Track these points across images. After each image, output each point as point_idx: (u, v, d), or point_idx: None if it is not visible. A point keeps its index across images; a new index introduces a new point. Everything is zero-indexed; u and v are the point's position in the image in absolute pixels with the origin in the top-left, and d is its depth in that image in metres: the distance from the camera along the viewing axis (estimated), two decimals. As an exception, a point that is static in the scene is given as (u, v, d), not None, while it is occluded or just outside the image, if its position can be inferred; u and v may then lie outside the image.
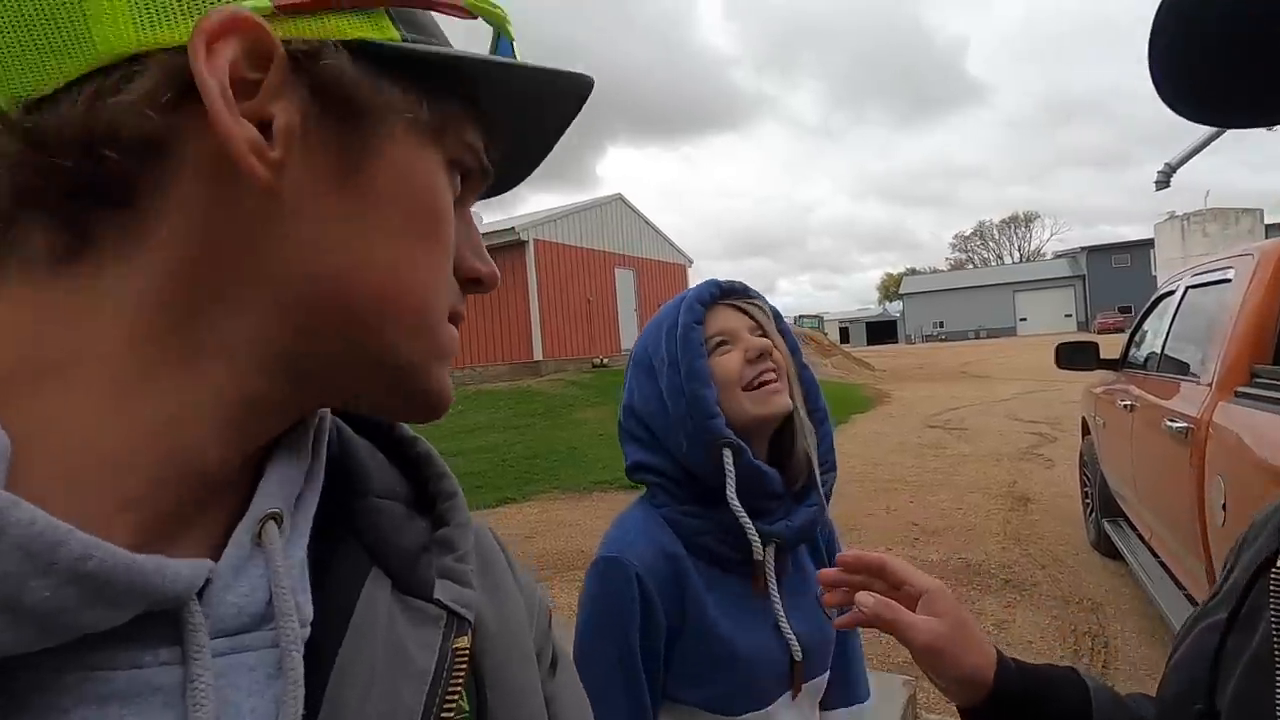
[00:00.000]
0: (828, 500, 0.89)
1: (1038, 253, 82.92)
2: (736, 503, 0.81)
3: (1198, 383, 2.63)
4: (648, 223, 18.14)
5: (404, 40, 0.31)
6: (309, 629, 0.31)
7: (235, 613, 0.29)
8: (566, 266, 15.13)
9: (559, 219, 15.41)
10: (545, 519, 6.27)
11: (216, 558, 0.30)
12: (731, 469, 0.81)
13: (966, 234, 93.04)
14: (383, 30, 0.31)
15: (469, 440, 9.97)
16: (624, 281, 16.76)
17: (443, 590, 0.35)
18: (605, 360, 15.09)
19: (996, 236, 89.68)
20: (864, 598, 0.61)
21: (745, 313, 0.90)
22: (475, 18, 0.34)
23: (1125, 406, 3.51)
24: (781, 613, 0.83)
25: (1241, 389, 2.28)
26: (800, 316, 51.59)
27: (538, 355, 14.20)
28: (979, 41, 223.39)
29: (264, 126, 0.28)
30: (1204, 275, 3.01)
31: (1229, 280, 2.65)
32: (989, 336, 49.93)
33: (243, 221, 0.29)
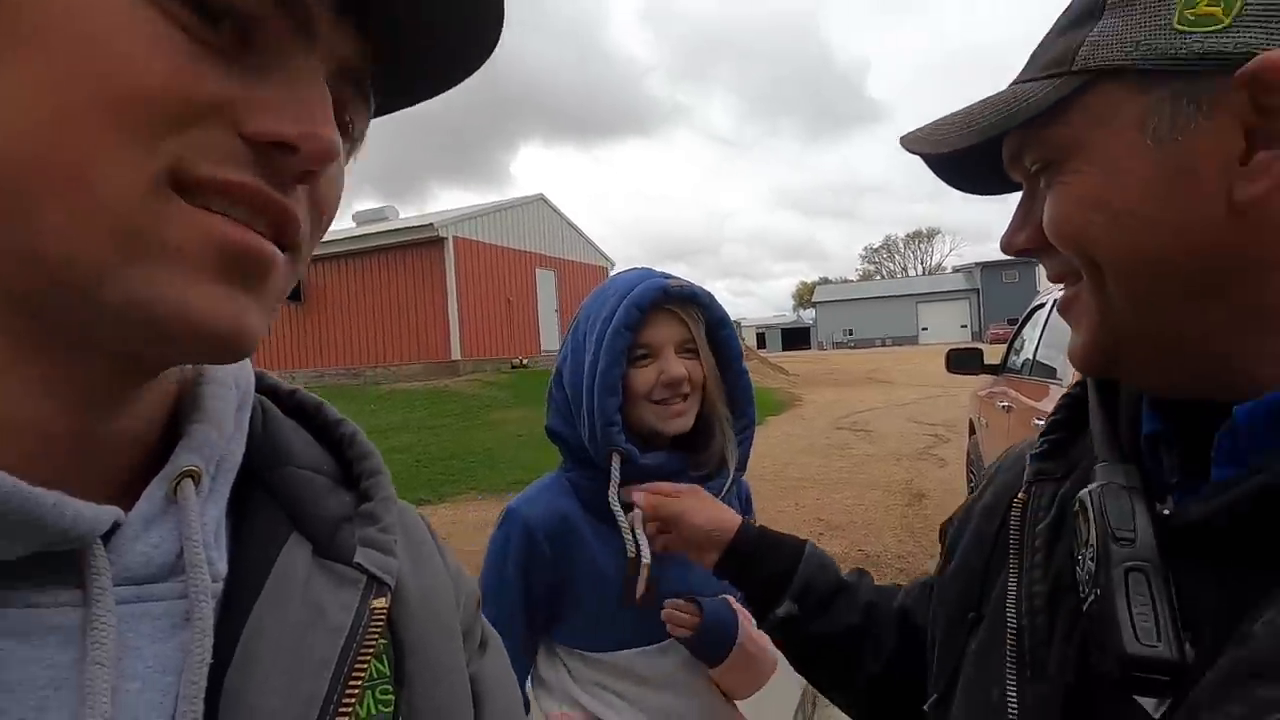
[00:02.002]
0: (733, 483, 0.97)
1: (938, 267, 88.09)
2: (617, 506, 0.89)
3: (1061, 384, 2.94)
4: (570, 224, 18.11)
5: None
6: (221, 584, 0.31)
7: (143, 562, 0.29)
8: (486, 265, 14.88)
9: (479, 217, 15.15)
10: (461, 521, 6.18)
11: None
12: (617, 474, 0.89)
13: (875, 246, 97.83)
14: None
15: (382, 441, 9.63)
16: (545, 282, 16.66)
17: (364, 556, 0.35)
18: (525, 361, 14.94)
19: (902, 250, 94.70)
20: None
21: (683, 321, 0.93)
22: None
23: (1003, 408, 3.85)
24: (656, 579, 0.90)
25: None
26: (719, 322, 52.63)
27: (455, 355, 13.90)
28: (878, 64, 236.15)
29: None
30: (1069, 289, 3.36)
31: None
32: (894, 344, 52.59)
33: None
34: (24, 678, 0.26)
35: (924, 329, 58.79)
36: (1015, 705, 0.44)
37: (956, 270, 67.69)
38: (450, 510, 6.71)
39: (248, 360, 0.38)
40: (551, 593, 0.93)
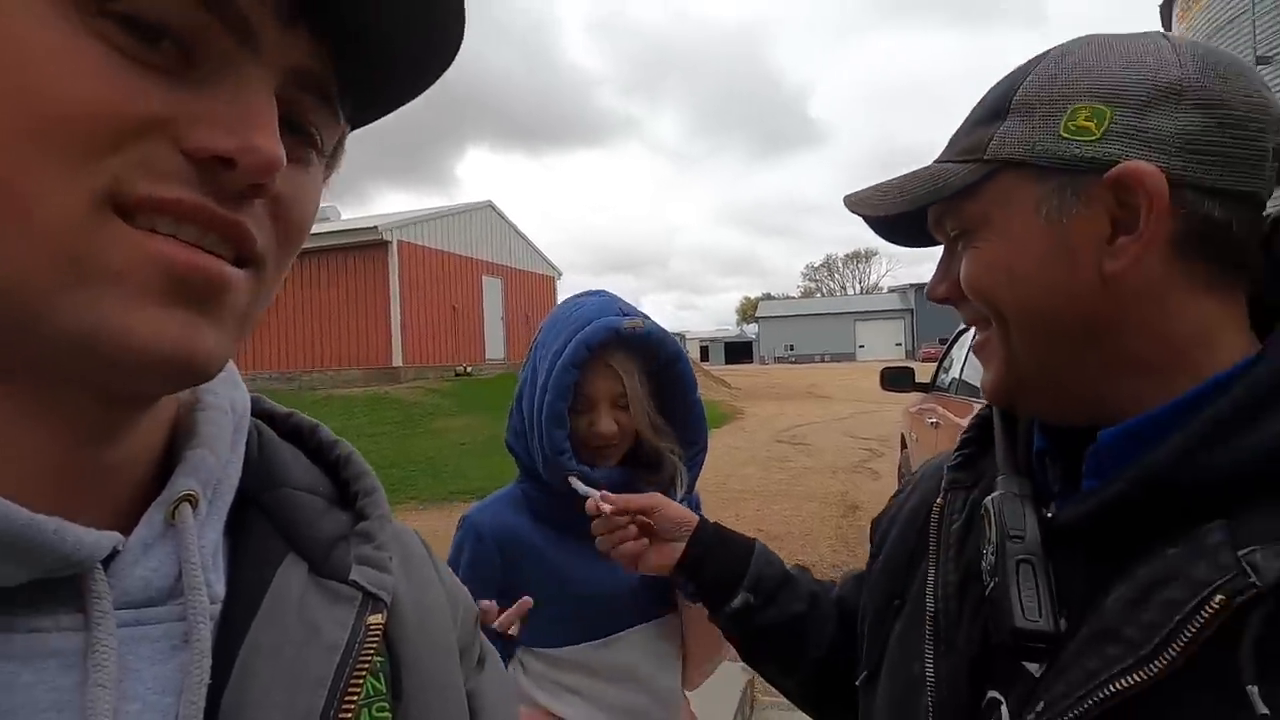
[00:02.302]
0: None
1: (875, 286, 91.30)
2: (585, 488, 0.92)
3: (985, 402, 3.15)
4: (518, 232, 18.02)
5: None
6: (219, 606, 0.32)
7: (142, 586, 0.30)
8: (432, 271, 14.65)
9: (425, 221, 14.91)
10: (400, 530, 6.08)
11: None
12: (582, 487, 0.93)
13: (816, 265, 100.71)
14: None
15: (317, 448, 9.36)
16: (491, 290, 16.51)
17: (359, 574, 0.36)
18: (469, 369, 14.75)
19: (842, 269, 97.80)
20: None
21: (619, 376, 0.97)
22: None
23: (932, 424, 4.08)
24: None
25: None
26: (664, 334, 53.17)
27: (397, 361, 13.60)
28: (821, 87, 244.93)
29: None
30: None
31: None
32: (833, 360, 54.16)
33: None
34: (27, 701, 0.26)
35: (861, 346, 60.76)
36: (932, 676, 0.53)
37: (892, 290, 70.41)
38: (390, 520, 6.58)
39: (243, 385, 0.40)
40: (503, 597, 0.97)
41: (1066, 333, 0.48)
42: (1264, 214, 0.46)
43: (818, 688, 0.78)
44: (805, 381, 23.98)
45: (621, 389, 0.98)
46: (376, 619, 0.35)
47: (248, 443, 0.38)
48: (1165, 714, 0.39)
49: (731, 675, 2.92)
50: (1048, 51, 0.50)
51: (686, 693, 1.12)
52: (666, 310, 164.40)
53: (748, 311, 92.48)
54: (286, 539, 0.36)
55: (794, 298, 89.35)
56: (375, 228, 13.57)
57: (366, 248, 13.42)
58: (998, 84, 0.51)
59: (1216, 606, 0.38)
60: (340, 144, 0.36)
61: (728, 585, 0.79)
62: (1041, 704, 0.43)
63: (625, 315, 0.99)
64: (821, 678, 0.76)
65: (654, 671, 1.02)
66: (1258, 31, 11.28)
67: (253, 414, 0.40)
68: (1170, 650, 0.38)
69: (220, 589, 0.33)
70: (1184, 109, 0.44)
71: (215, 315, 0.29)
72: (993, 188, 0.49)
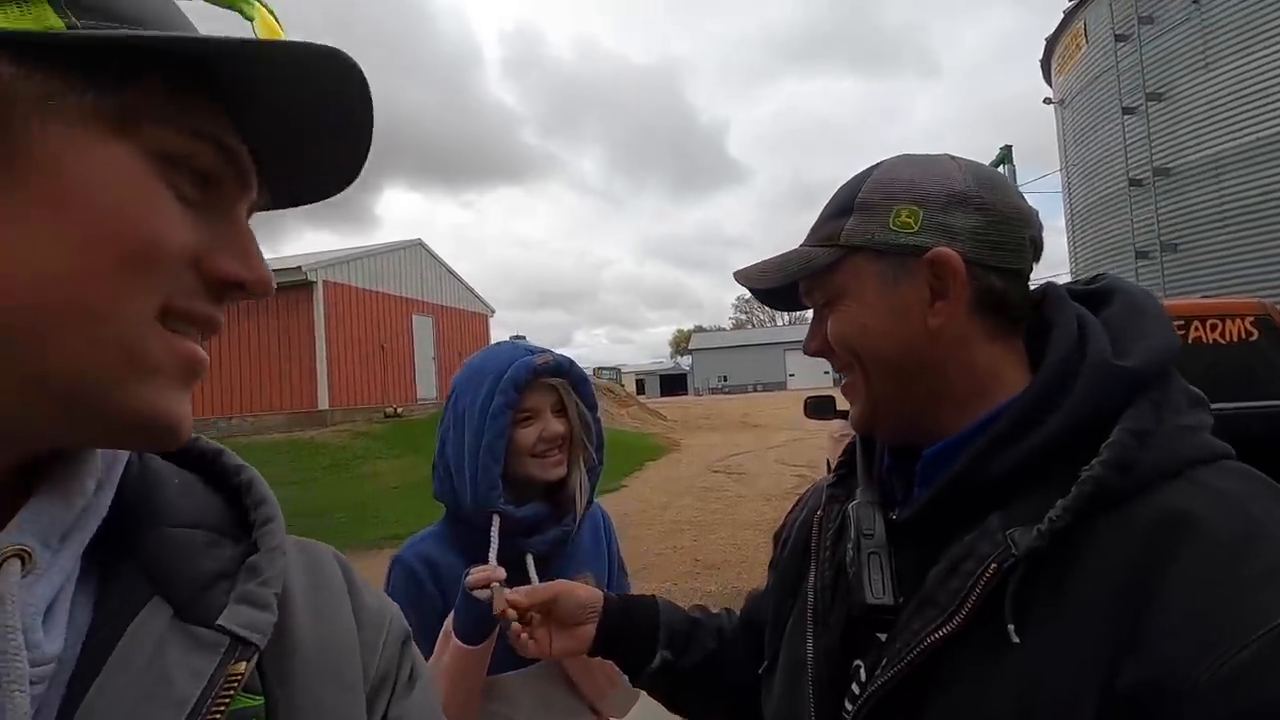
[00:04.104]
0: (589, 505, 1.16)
1: (803, 317, 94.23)
2: (496, 564, 1.01)
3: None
4: (449, 270, 17.91)
5: (70, 28, 0.29)
6: (52, 667, 0.31)
7: None
8: (359, 311, 14.37)
9: (352, 261, 14.66)
10: (330, 579, 5.87)
11: None
12: (496, 538, 1.03)
13: (746, 297, 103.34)
14: (40, 20, 0.29)
15: (238, 498, 8.92)
16: (422, 328, 16.29)
17: (232, 615, 0.35)
18: (400, 410, 14.42)
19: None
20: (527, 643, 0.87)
21: (555, 389, 1.13)
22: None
23: (854, 449, 4.33)
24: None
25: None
26: (600, 368, 53.32)
27: (323, 404, 13.18)
28: (737, 127, 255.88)
29: None
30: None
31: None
32: (765, 390, 55.49)
33: None
34: None
35: (791, 375, 62.48)
36: (812, 654, 0.66)
37: (818, 321, 72.73)
38: (318, 569, 6.34)
39: None
40: (431, 631, 1.05)
41: (904, 371, 0.63)
42: (1029, 286, 0.64)
43: (741, 709, 0.85)
44: (739, 411, 24.52)
45: (558, 398, 1.13)
46: (240, 667, 0.34)
47: (124, 477, 0.37)
48: (963, 655, 0.53)
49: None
50: (879, 163, 0.67)
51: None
52: (601, 344, 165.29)
53: (681, 344, 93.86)
54: (153, 582, 0.35)
55: (726, 329, 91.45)
56: (299, 268, 13.26)
57: (290, 288, 13.05)
58: (844, 186, 0.67)
59: (991, 572, 0.52)
60: None
61: (645, 650, 0.85)
62: (885, 660, 0.56)
63: (532, 353, 1.13)
64: (743, 699, 0.84)
65: (568, 695, 1.11)
66: (1122, 85, 12.59)
67: None
68: (965, 608, 0.52)
69: (53, 647, 0.31)
70: (969, 211, 0.61)
71: (191, 390, 0.35)
72: (847, 266, 0.65)
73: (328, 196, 0.42)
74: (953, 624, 0.52)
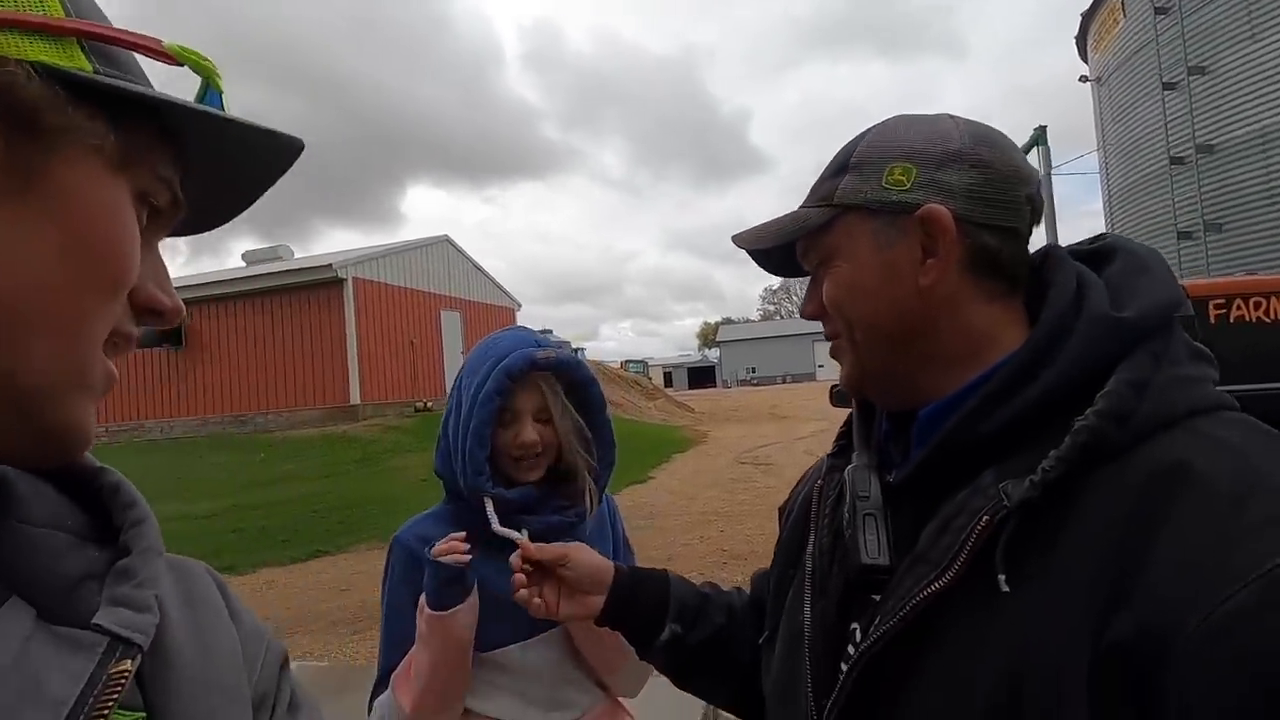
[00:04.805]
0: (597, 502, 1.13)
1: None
2: (501, 529, 1.02)
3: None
4: (476, 265, 18.09)
5: (95, 73, 0.32)
6: None
7: None
8: (388, 307, 14.59)
9: (381, 258, 14.89)
10: (362, 570, 5.98)
11: None
12: (493, 512, 1.04)
13: (774, 288, 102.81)
14: (72, 59, 0.32)
15: (274, 492, 9.16)
16: (450, 323, 16.48)
17: (109, 616, 0.33)
18: (429, 404, 14.62)
19: (799, 290, 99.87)
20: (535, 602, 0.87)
21: (542, 392, 1.09)
22: (182, 65, 0.36)
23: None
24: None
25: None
26: (628, 361, 53.42)
27: (355, 399, 13.43)
28: (760, 115, 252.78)
29: None
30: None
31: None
32: (793, 381, 55.10)
33: None
34: None
35: (820, 366, 61.92)
36: (810, 619, 0.64)
37: (848, 310, 71.82)
38: (351, 560, 6.48)
39: None
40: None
41: (895, 333, 0.61)
42: (1027, 246, 0.62)
43: (748, 686, 0.83)
44: (767, 403, 24.38)
45: (543, 403, 1.10)
46: (124, 666, 0.32)
47: None
48: (955, 609, 0.51)
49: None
50: (873, 125, 0.66)
51: (624, 700, 1.19)
52: (627, 337, 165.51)
53: (708, 336, 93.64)
54: (8, 582, 0.33)
55: (754, 321, 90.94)
56: (330, 265, 13.52)
57: (321, 286, 13.34)
58: (843, 147, 0.66)
59: (983, 525, 0.50)
60: None
61: (654, 623, 0.84)
62: (878, 618, 0.55)
63: (540, 345, 1.11)
64: (751, 676, 0.82)
65: (576, 668, 1.10)
66: (1162, 60, 12.15)
67: None
68: (957, 563, 0.51)
69: None
70: (963, 168, 0.59)
71: None
72: (840, 225, 0.63)
73: (209, 230, 0.46)
74: (945, 579, 0.51)
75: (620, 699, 1.18)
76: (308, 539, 7.11)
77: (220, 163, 0.39)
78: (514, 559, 0.88)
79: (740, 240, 0.71)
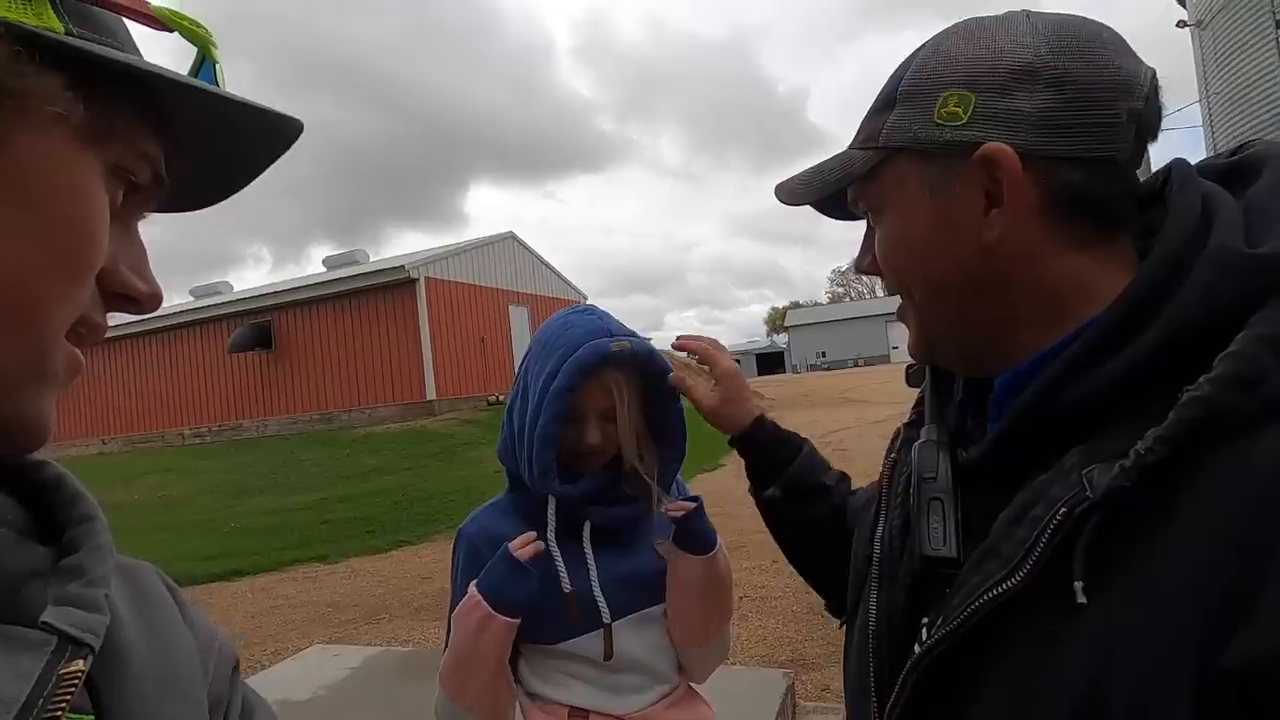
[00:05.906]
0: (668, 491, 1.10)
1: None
2: (555, 548, 1.01)
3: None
4: (541, 260, 18.33)
5: (68, 34, 0.29)
6: None
7: None
8: (459, 304, 14.99)
9: (450, 257, 15.30)
10: (442, 560, 6.17)
11: None
12: (553, 518, 1.02)
13: (843, 269, 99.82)
14: (40, 16, 0.29)
15: (360, 485, 9.59)
16: (518, 318, 16.78)
17: (56, 615, 0.31)
18: (500, 398, 14.95)
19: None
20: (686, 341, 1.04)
21: (609, 390, 1.03)
22: (171, 31, 0.34)
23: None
24: (589, 573, 1.03)
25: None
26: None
27: (430, 395, 13.89)
28: (817, 92, 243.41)
29: None
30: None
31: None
32: (866, 364, 53.45)
33: None
34: None
35: (894, 348, 59.81)
36: (875, 609, 0.58)
37: (923, 289, 69.08)
38: (432, 550, 6.70)
39: None
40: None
41: (958, 294, 0.52)
42: (1130, 173, 0.49)
43: (839, 590, 0.80)
44: (839, 388, 23.73)
45: (610, 403, 1.04)
46: (75, 666, 0.30)
47: None
48: (1024, 614, 0.44)
49: (772, 681, 2.92)
50: (927, 41, 0.54)
51: (698, 687, 1.15)
52: (693, 326, 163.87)
53: (776, 321, 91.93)
54: None
55: (823, 304, 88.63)
56: (402, 267, 13.97)
57: (395, 286, 13.81)
58: (894, 71, 0.56)
59: (1061, 518, 0.42)
60: None
61: (768, 476, 0.92)
62: (941, 618, 0.48)
63: (613, 336, 1.03)
64: (840, 581, 0.78)
65: (648, 656, 1.07)
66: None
67: None
68: (1029, 560, 0.43)
69: None
70: (1037, 89, 0.47)
71: None
72: (888, 171, 0.54)
73: (200, 208, 0.43)
74: (1015, 579, 0.43)
75: (694, 686, 1.15)
76: (391, 529, 7.41)
77: (214, 141, 0.36)
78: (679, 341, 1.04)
79: (782, 193, 0.63)
